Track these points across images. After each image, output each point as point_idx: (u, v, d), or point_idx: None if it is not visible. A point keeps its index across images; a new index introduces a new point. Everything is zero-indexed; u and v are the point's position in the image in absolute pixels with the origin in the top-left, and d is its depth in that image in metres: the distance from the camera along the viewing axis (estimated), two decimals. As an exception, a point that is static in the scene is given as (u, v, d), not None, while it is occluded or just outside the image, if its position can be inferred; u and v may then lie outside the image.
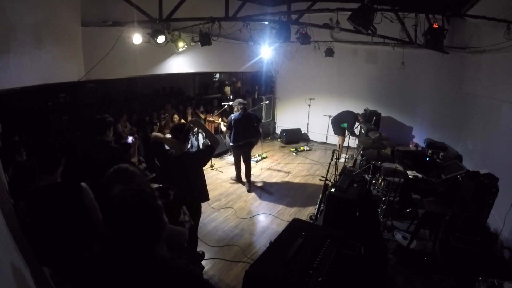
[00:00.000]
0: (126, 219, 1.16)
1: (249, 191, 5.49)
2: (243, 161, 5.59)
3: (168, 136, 3.34)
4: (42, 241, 2.03)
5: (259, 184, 5.84)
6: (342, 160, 6.72)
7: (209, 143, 3.14)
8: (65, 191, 2.06)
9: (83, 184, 2.12)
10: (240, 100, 5.49)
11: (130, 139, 3.49)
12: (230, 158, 6.48)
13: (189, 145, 7.08)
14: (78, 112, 4.25)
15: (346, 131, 7.09)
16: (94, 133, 3.16)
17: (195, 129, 6.91)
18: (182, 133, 2.97)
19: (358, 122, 6.96)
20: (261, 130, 6.20)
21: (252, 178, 6.02)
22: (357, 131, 7.01)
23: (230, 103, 5.67)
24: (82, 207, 2.05)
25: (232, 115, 5.39)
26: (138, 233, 1.16)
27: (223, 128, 5.56)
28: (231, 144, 5.45)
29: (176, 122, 6.45)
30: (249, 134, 5.30)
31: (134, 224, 1.16)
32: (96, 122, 3.15)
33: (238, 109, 5.31)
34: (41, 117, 3.92)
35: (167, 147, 3.20)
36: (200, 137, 7.32)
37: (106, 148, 3.10)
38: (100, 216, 2.06)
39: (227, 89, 9.52)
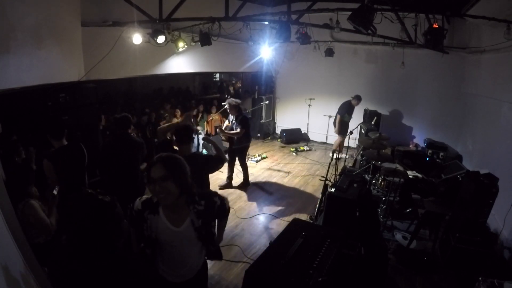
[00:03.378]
0: (81, 223, 1.16)
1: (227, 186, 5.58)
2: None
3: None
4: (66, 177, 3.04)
5: (259, 184, 5.83)
6: (342, 156, 6.69)
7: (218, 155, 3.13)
8: (72, 148, 3.17)
9: (81, 144, 3.24)
10: (239, 101, 5.45)
11: None
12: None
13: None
14: (78, 112, 4.25)
15: (346, 122, 7.07)
16: (117, 128, 3.47)
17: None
18: (186, 136, 2.94)
19: (352, 105, 6.99)
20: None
21: (252, 178, 6.03)
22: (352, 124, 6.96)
23: (228, 104, 5.62)
24: (83, 156, 3.25)
25: (244, 115, 5.30)
26: (94, 238, 1.15)
27: (230, 134, 5.41)
28: (247, 143, 5.45)
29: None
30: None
31: (89, 229, 1.15)
32: (120, 119, 3.45)
33: (239, 109, 5.27)
34: (41, 117, 3.93)
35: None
36: (201, 137, 7.32)
37: (130, 141, 3.47)
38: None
39: (231, 89, 9.54)
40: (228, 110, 5.35)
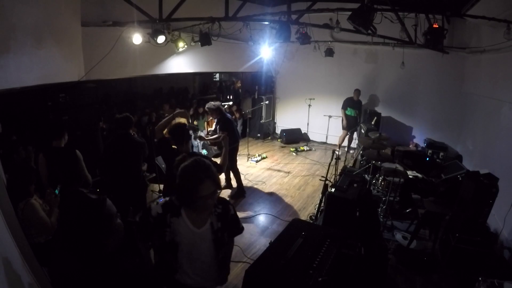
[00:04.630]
0: (72, 221, 1.20)
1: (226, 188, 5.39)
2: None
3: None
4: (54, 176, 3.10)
5: (259, 184, 5.83)
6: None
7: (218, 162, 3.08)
8: (67, 152, 3.24)
9: (77, 151, 3.29)
10: (216, 103, 5.07)
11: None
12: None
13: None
14: (78, 112, 4.26)
15: (349, 117, 7.59)
16: (119, 128, 3.45)
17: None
18: (183, 136, 2.91)
19: (351, 98, 7.52)
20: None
21: (252, 178, 6.02)
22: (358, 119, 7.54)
23: (230, 103, 5.59)
24: (75, 160, 3.25)
25: (226, 117, 5.06)
26: (83, 235, 1.19)
27: (207, 138, 5.23)
28: (231, 146, 5.01)
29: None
30: (239, 133, 5.34)
31: (78, 226, 1.20)
32: (122, 119, 3.44)
33: (220, 112, 4.99)
34: (41, 117, 3.93)
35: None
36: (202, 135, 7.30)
37: (131, 140, 3.46)
38: (84, 172, 3.31)
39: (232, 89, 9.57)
40: (210, 114, 5.19)
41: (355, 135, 7.74)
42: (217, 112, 4.99)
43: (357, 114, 7.50)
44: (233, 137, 4.98)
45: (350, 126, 7.57)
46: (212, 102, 5.10)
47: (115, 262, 1.31)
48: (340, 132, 7.99)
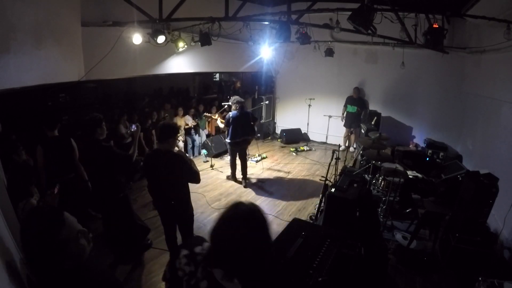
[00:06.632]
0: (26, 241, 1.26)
1: (245, 186, 5.66)
2: (240, 158, 5.69)
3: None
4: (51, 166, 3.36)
5: (259, 184, 5.83)
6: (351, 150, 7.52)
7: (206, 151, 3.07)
8: (62, 140, 3.46)
9: (72, 139, 3.50)
10: (237, 98, 5.50)
11: (133, 126, 3.57)
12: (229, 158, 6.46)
13: (189, 145, 7.08)
14: (78, 112, 4.27)
15: (348, 113, 7.83)
16: (85, 134, 3.08)
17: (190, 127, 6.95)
18: (168, 135, 2.77)
19: (351, 97, 7.74)
20: (256, 128, 6.22)
21: (252, 178, 6.02)
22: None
23: (230, 103, 5.65)
24: (71, 148, 3.47)
25: (230, 112, 5.46)
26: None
27: (221, 125, 5.93)
28: (228, 141, 5.53)
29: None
30: (246, 131, 5.45)
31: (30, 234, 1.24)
32: (85, 123, 3.01)
33: (236, 107, 5.36)
34: (41, 117, 3.93)
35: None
36: (202, 134, 7.33)
37: (98, 147, 3.01)
38: (77, 162, 3.50)
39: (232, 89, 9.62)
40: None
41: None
42: (232, 107, 5.49)
43: (358, 111, 7.57)
44: (230, 132, 5.42)
45: (348, 123, 7.76)
46: (235, 97, 5.56)
47: (79, 275, 1.27)
48: (340, 132, 8.12)
